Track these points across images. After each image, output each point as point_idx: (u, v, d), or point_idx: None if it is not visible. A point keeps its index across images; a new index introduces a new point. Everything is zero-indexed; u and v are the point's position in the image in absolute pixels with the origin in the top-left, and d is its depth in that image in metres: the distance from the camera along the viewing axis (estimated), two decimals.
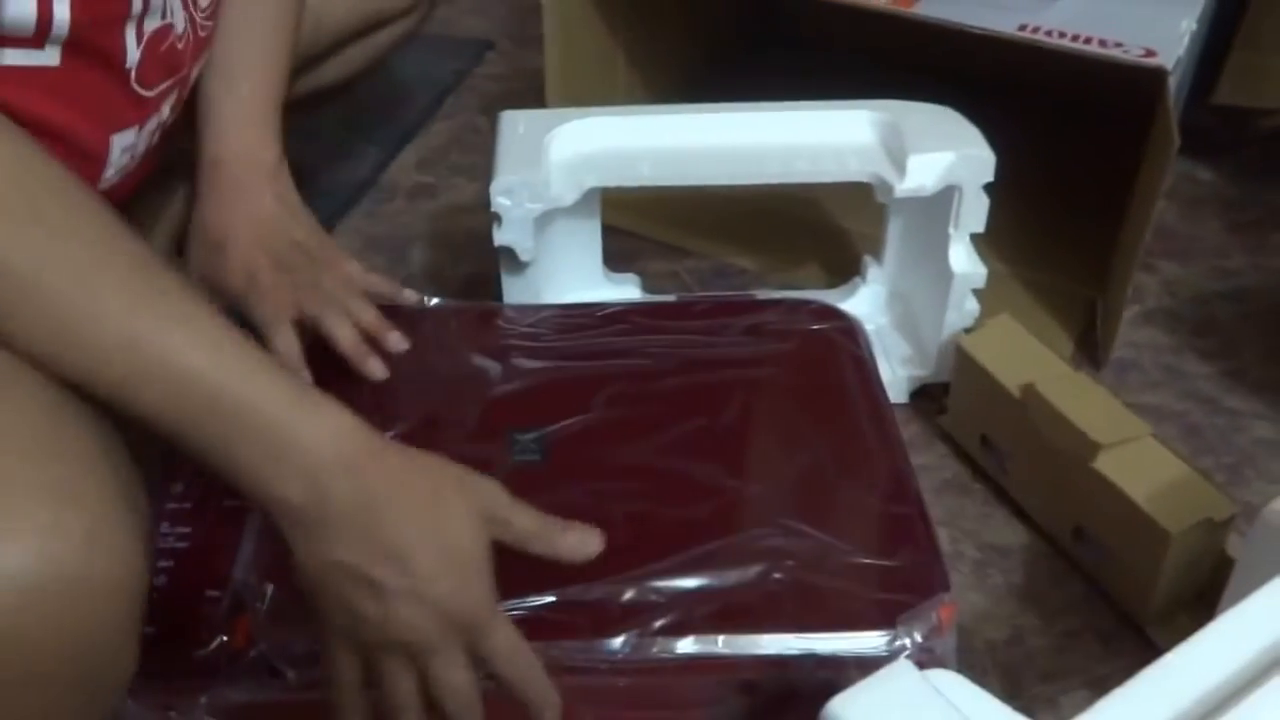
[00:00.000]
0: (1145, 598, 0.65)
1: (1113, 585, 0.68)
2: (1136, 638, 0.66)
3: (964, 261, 0.77)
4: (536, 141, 0.78)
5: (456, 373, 0.66)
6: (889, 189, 0.76)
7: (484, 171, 1.08)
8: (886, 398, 0.65)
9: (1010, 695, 0.62)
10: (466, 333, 0.69)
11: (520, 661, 0.49)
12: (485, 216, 1.02)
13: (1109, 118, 0.79)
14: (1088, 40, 0.81)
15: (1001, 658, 0.65)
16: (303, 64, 0.78)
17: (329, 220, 1.01)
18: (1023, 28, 0.82)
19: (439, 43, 1.24)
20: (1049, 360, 0.73)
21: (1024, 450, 0.72)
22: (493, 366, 0.65)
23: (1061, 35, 0.82)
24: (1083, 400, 0.68)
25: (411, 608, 0.46)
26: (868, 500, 0.58)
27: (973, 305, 0.78)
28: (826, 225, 0.99)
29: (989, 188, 0.76)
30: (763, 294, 0.79)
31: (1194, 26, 0.84)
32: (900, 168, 0.76)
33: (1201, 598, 0.65)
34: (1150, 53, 0.79)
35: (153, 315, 0.45)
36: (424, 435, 0.60)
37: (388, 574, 0.46)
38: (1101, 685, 0.41)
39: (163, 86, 0.61)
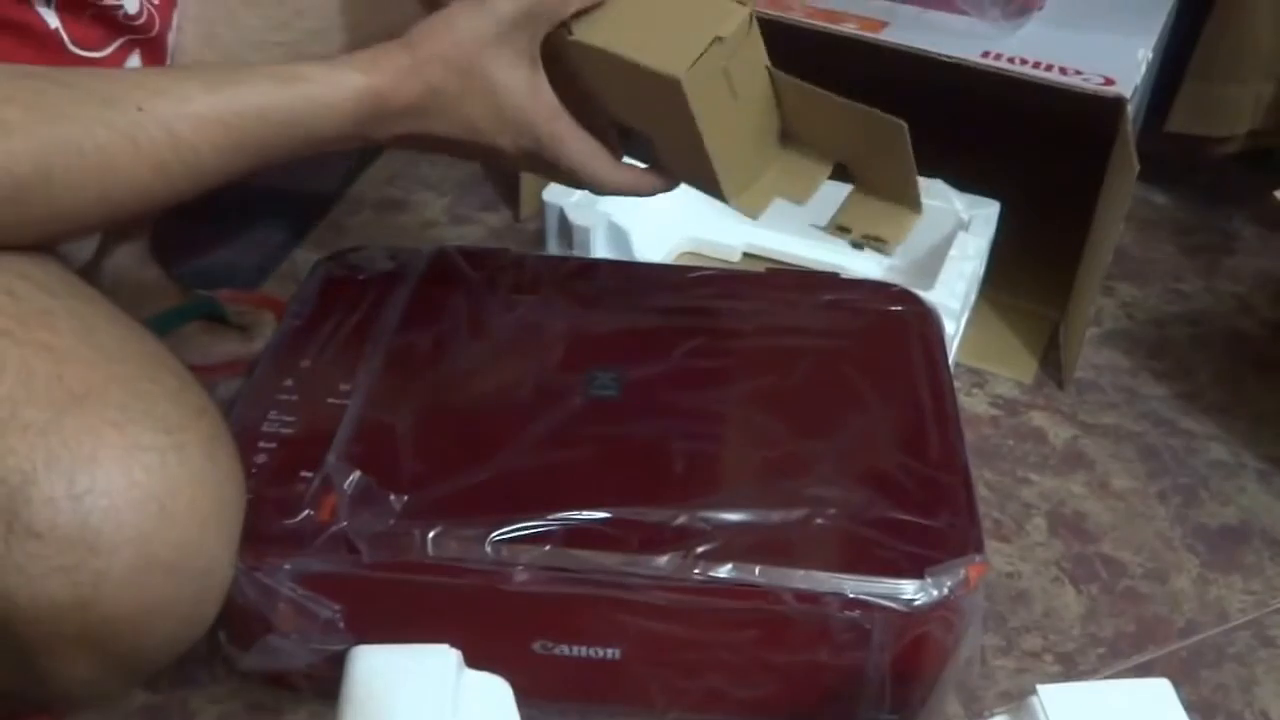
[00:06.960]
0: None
1: None
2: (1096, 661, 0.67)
3: None
4: None
5: (551, 316, 0.70)
6: None
7: (453, 186, 1.09)
8: (950, 380, 0.67)
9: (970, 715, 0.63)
10: (565, 281, 0.73)
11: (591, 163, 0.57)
12: (452, 231, 1.02)
13: (1070, 141, 0.81)
14: (1049, 68, 0.83)
15: (961, 676, 0.66)
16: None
17: (297, 231, 1.00)
18: (986, 54, 0.84)
19: None
20: None
21: None
22: (584, 313, 0.70)
23: (1024, 62, 0.83)
24: None
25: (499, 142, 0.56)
26: (915, 466, 0.60)
27: None
28: None
29: None
30: (847, 273, 0.82)
31: (1150, 56, 0.86)
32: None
33: None
34: (1109, 81, 0.81)
35: (176, 115, 0.49)
36: (513, 365, 0.66)
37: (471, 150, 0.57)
38: None
39: (112, 48, 0.61)
